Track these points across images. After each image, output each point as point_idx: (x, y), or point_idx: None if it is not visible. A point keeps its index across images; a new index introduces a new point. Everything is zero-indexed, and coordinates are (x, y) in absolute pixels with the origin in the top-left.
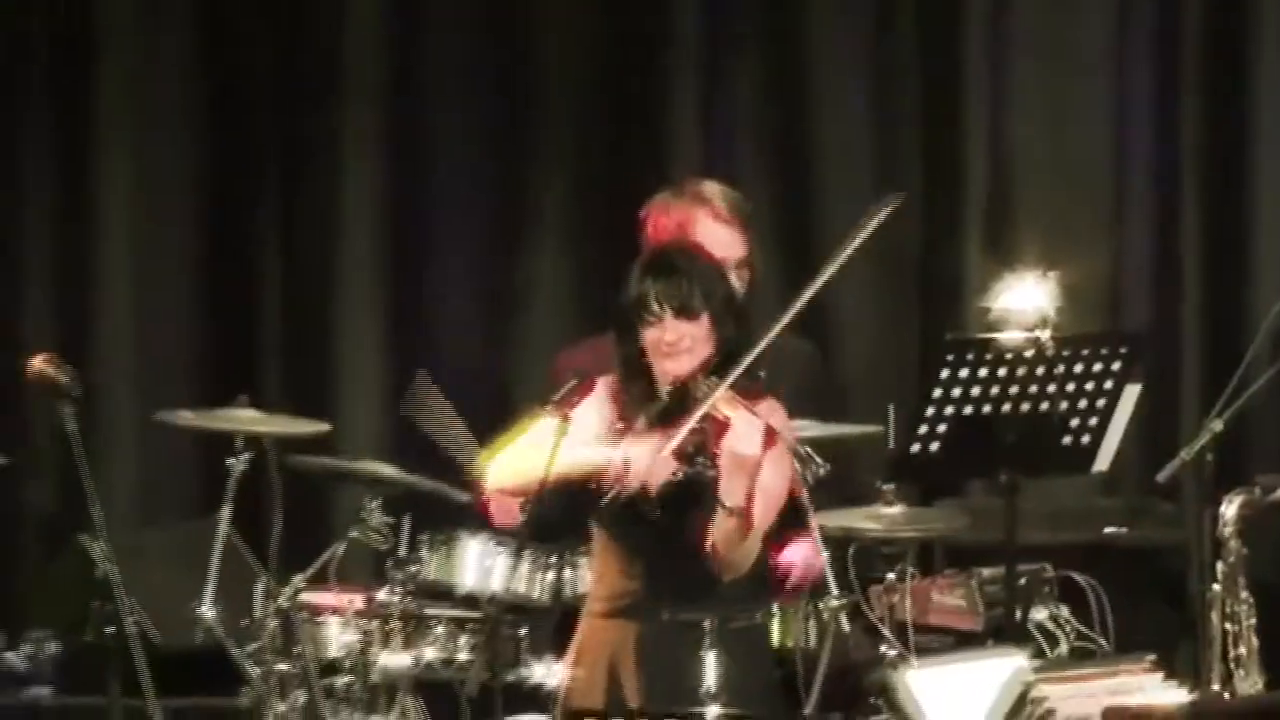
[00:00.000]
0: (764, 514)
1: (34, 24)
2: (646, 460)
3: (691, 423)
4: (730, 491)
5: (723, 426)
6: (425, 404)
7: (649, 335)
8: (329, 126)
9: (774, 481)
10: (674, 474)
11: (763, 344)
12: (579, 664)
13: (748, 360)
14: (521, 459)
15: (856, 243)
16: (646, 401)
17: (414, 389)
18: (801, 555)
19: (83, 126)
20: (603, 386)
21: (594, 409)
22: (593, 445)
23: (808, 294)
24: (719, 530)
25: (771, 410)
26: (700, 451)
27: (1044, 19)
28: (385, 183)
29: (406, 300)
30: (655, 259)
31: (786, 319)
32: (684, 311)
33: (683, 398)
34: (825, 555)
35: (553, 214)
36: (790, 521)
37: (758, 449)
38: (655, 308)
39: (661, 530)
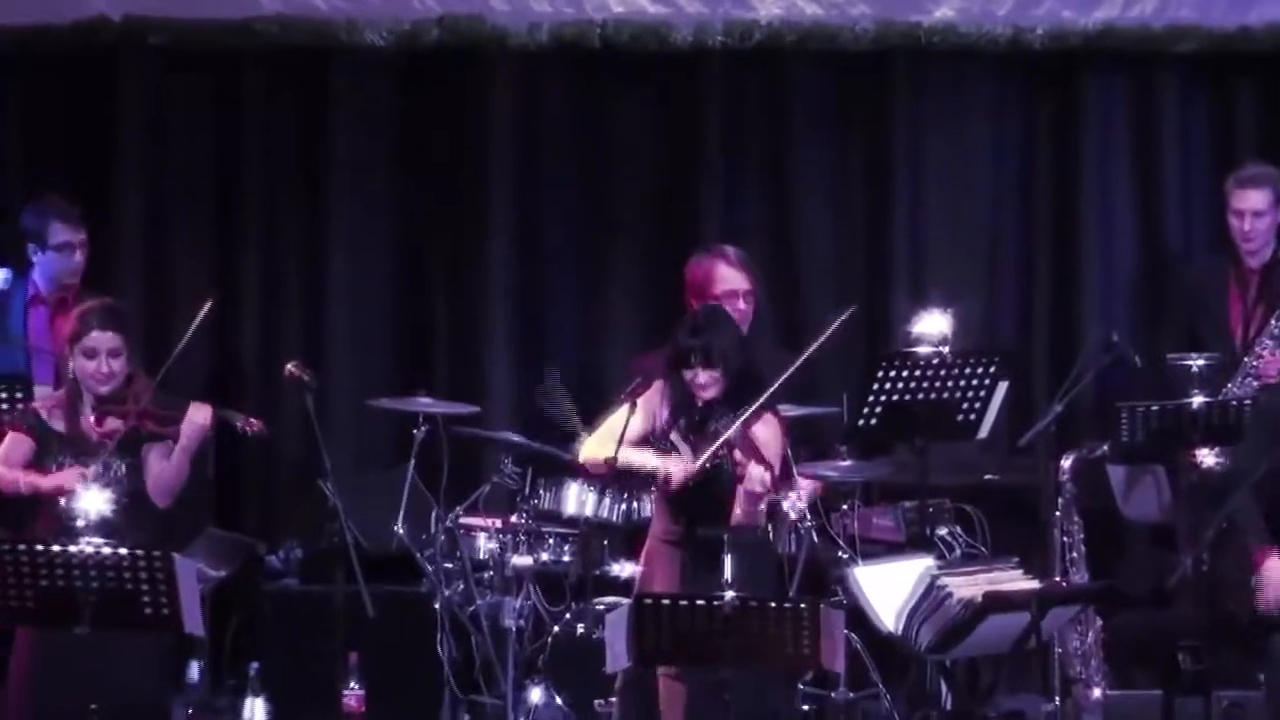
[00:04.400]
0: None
1: None
2: (680, 477)
3: (711, 451)
4: (746, 504)
5: (738, 446)
6: (551, 392)
7: (686, 374)
8: (477, 231)
9: (775, 461)
10: (698, 476)
11: (762, 399)
12: (649, 567)
13: (749, 412)
14: (600, 446)
15: (824, 338)
16: (687, 404)
17: (544, 382)
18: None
19: (324, 223)
20: (660, 386)
21: (654, 400)
22: (649, 455)
23: (791, 370)
24: (740, 508)
25: (770, 423)
26: (718, 469)
27: (948, 159)
28: (515, 253)
29: (533, 323)
30: (694, 322)
31: (776, 386)
32: (708, 364)
33: (708, 412)
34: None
35: (628, 272)
36: (784, 475)
37: (766, 487)
38: (692, 360)
39: (694, 500)
